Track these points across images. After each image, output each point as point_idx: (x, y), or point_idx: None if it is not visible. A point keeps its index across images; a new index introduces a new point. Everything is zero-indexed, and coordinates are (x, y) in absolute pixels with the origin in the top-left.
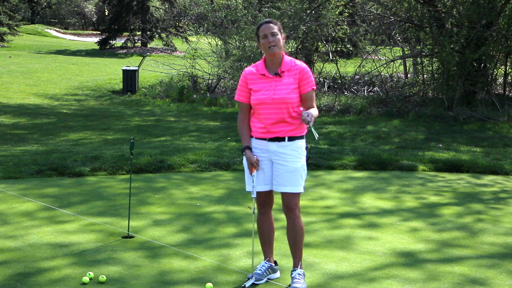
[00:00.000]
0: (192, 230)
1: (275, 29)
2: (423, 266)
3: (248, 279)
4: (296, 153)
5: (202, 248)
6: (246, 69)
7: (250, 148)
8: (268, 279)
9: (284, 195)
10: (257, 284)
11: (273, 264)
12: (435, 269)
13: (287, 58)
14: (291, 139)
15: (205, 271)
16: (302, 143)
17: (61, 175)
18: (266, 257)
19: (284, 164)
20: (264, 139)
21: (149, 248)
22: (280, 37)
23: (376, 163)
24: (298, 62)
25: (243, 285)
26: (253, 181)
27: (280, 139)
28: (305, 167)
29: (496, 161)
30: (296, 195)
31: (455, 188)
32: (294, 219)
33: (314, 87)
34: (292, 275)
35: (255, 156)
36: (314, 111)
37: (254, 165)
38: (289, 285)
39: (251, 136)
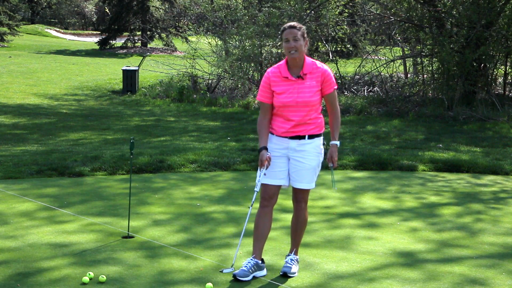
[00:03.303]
0: (191, 230)
1: (298, 34)
2: (423, 266)
3: (232, 266)
4: (314, 151)
5: (202, 248)
6: (269, 70)
7: (266, 149)
8: (254, 276)
9: (297, 189)
10: (243, 281)
11: (260, 262)
12: (435, 269)
13: (308, 60)
14: (311, 137)
15: (205, 271)
16: (320, 140)
17: (61, 175)
18: (254, 253)
19: (302, 162)
20: (285, 137)
21: (149, 248)
22: (302, 42)
23: (376, 163)
24: (319, 64)
25: (220, 270)
26: (259, 175)
27: (301, 137)
28: (320, 165)
29: (496, 161)
30: (308, 190)
31: (455, 188)
32: (301, 210)
33: (336, 86)
34: (285, 259)
35: (268, 154)
36: (335, 150)
37: (263, 164)
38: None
39: (272, 133)
